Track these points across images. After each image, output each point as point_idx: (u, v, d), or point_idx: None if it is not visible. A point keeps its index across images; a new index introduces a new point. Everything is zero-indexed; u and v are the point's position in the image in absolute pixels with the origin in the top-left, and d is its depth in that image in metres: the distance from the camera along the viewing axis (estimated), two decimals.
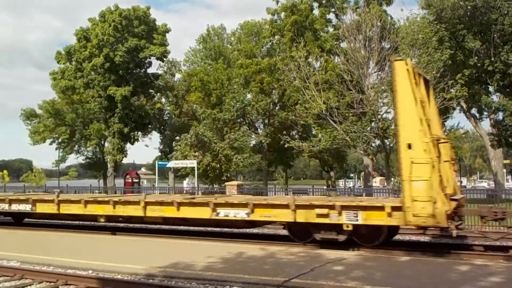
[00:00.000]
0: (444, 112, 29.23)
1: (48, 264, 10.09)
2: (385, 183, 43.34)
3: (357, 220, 10.67)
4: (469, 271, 8.64)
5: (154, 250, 11.68)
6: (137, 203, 13.52)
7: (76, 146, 53.57)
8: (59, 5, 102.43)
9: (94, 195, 20.84)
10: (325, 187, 45.69)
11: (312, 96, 26.71)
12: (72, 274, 9.24)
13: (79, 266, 9.76)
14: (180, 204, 12.94)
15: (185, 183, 49.99)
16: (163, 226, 15.57)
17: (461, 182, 54.06)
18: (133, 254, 11.14)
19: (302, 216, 11.28)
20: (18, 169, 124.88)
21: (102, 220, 14.35)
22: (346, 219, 10.78)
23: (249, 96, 40.67)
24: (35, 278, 9.24)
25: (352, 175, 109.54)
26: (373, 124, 26.37)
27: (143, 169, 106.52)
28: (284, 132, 33.42)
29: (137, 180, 37.09)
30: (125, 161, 51.82)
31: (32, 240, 13.85)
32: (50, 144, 50.53)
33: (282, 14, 38.52)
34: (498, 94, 28.98)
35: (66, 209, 14.82)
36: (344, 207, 10.85)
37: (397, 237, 12.98)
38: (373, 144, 28.05)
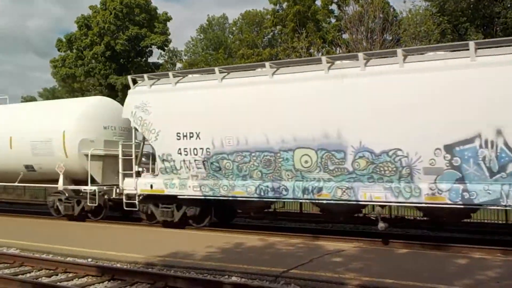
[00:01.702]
0: None
1: (47, 252, 10.13)
2: None
3: None
4: (467, 264, 8.68)
5: (153, 240, 11.72)
6: None
7: None
8: None
9: None
10: None
11: None
12: (71, 262, 9.28)
13: (78, 254, 9.80)
14: None
15: None
16: None
17: None
18: (132, 243, 11.18)
19: None
20: None
21: None
22: None
23: None
24: (35, 266, 9.29)
25: None
26: None
27: None
28: None
29: None
30: None
31: (32, 228, 13.90)
32: None
33: (284, 4, 38.33)
34: None
35: None
36: None
37: (396, 229, 13.02)
38: None
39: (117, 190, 14.47)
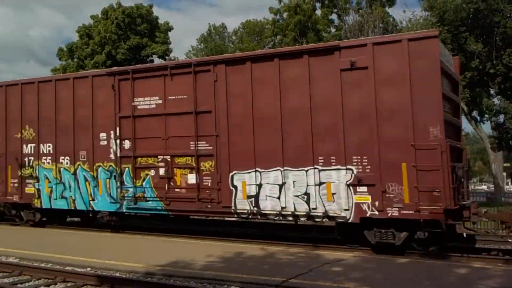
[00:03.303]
0: None
1: (46, 261, 10.12)
2: None
3: None
4: (468, 273, 8.65)
5: (153, 249, 11.69)
6: None
7: None
8: (62, 0, 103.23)
9: None
10: None
11: None
12: (70, 271, 9.27)
13: (77, 263, 9.79)
14: None
15: None
16: (162, 225, 15.59)
17: None
18: (132, 252, 11.15)
19: None
20: None
21: None
22: None
23: None
24: (34, 275, 9.27)
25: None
26: None
27: None
28: None
29: None
30: None
31: (31, 237, 13.87)
32: None
33: (285, 14, 38.55)
34: (499, 97, 28.96)
35: None
36: None
37: None
38: None
39: None
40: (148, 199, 13.04)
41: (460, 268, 9.06)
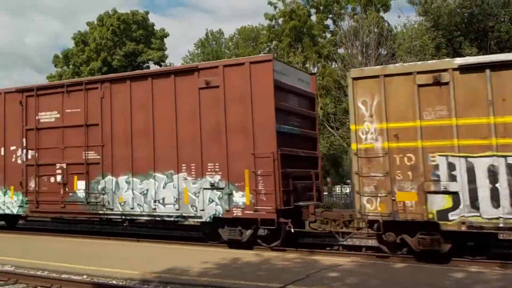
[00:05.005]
0: None
1: (42, 269, 10.07)
2: None
3: None
4: (465, 278, 8.64)
5: (149, 256, 11.65)
6: None
7: None
8: (58, 7, 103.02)
9: None
10: None
11: None
12: (66, 279, 9.22)
13: (73, 271, 9.74)
14: None
15: None
16: (159, 232, 15.56)
17: None
18: (128, 259, 11.10)
19: None
20: None
21: None
22: None
23: None
24: (30, 283, 9.23)
25: (348, 181, 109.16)
26: None
27: None
28: None
29: None
30: None
31: (27, 244, 13.82)
32: None
33: (280, 20, 38.62)
34: None
35: None
36: None
37: None
38: None
39: None
40: None
41: (456, 273, 9.06)
